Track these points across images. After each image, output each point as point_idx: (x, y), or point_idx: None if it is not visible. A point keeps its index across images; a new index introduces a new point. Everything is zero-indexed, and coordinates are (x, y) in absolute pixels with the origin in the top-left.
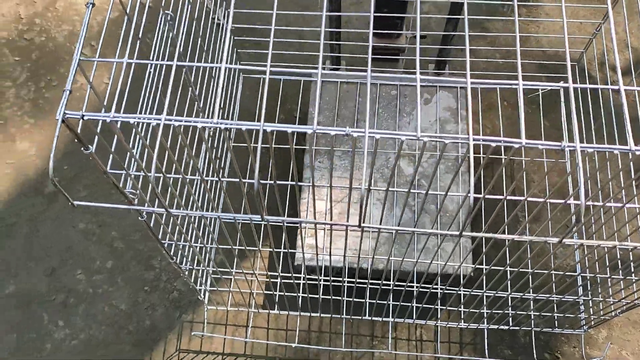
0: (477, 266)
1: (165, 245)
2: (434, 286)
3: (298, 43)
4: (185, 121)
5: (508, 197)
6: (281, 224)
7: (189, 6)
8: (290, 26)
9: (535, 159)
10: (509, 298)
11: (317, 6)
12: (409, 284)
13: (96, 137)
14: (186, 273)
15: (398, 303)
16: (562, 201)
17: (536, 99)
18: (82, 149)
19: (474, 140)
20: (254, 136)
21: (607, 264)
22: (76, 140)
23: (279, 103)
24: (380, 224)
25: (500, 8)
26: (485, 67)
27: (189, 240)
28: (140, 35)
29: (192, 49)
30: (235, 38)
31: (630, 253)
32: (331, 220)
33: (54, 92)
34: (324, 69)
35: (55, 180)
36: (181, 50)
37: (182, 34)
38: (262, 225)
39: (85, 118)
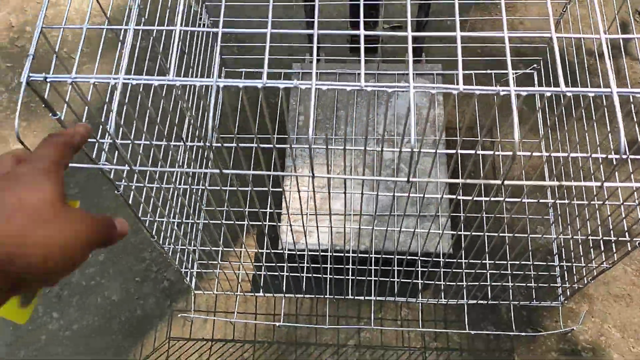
0: (460, 233)
1: (147, 223)
2: (411, 268)
3: (279, 36)
4: (144, 80)
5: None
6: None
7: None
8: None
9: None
10: (487, 271)
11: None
12: (386, 265)
13: (65, 105)
14: (169, 254)
15: (378, 279)
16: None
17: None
18: (50, 114)
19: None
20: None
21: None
22: (44, 106)
23: (259, 96)
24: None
25: None
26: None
27: (167, 216)
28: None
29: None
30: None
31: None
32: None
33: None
34: (303, 61)
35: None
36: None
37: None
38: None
39: (48, 80)
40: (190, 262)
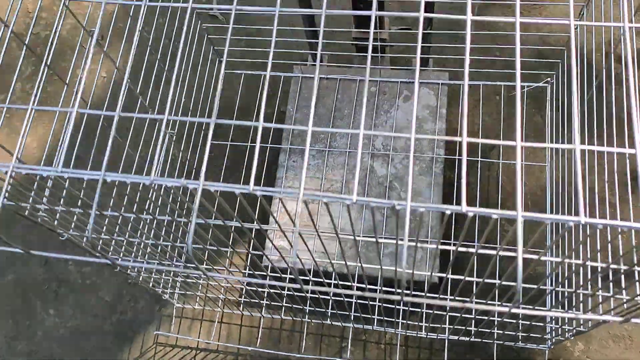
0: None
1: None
2: (393, 296)
3: (282, 40)
4: (124, 178)
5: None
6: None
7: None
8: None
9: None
10: (472, 310)
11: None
12: (369, 294)
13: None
14: (148, 284)
15: (359, 315)
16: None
17: (532, 92)
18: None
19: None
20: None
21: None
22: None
23: (257, 96)
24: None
25: None
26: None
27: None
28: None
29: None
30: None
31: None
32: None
33: (56, 86)
34: (305, 64)
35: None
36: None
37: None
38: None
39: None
40: (170, 289)
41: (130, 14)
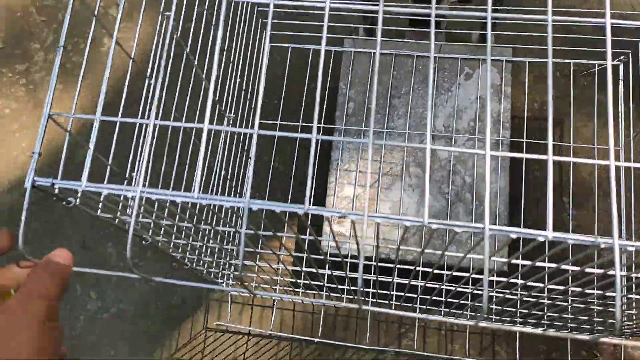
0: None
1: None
2: (462, 287)
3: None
4: (165, 196)
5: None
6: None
7: None
8: None
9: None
10: (543, 301)
11: None
12: (433, 282)
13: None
14: (204, 272)
15: (426, 299)
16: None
17: (592, 69)
18: (64, 203)
19: (490, 230)
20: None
21: None
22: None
23: (307, 72)
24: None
25: None
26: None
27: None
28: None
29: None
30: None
31: None
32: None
33: (80, 55)
34: (356, 37)
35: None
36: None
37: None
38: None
39: (55, 186)
40: (225, 276)
41: None
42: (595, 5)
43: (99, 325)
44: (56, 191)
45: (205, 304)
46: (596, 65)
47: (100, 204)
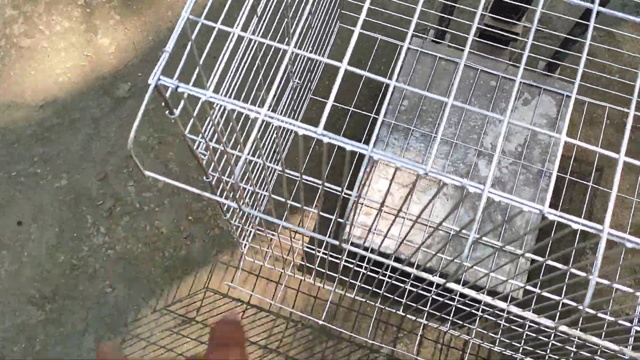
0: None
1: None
2: (475, 304)
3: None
4: (265, 115)
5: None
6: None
7: None
8: None
9: (625, 196)
10: (552, 334)
11: None
12: (449, 296)
13: (182, 102)
14: (233, 223)
15: (436, 313)
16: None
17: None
18: (167, 112)
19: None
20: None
21: None
22: (163, 104)
23: (370, 60)
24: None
25: (635, 14)
26: (599, 79)
27: (237, 181)
28: None
29: None
30: None
31: None
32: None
33: None
34: (425, 39)
35: (132, 152)
36: None
37: None
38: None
39: (179, 90)
40: (249, 226)
41: None
42: None
43: (102, 261)
44: (180, 93)
45: (213, 263)
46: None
47: (211, 121)
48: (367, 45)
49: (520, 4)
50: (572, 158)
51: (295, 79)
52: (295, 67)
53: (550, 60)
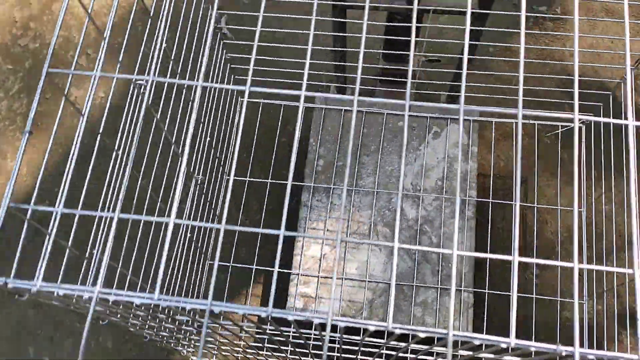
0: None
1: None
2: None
3: (301, 63)
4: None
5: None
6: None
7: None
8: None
9: (549, 207)
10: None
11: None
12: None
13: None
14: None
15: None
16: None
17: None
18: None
19: (454, 336)
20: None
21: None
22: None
23: (279, 126)
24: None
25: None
26: (505, 92)
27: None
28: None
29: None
30: (231, 55)
31: None
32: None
33: (47, 105)
34: (327, 93)
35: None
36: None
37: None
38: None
39: (9, 285)
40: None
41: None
42: (557, 69)
43: None
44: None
45: None
46: (560, 127)
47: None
48: (274, 113)
49: (406, 38)
50: (495, 176)
51: (199, 175)
52: (195, 163)
53: (450, 88)
